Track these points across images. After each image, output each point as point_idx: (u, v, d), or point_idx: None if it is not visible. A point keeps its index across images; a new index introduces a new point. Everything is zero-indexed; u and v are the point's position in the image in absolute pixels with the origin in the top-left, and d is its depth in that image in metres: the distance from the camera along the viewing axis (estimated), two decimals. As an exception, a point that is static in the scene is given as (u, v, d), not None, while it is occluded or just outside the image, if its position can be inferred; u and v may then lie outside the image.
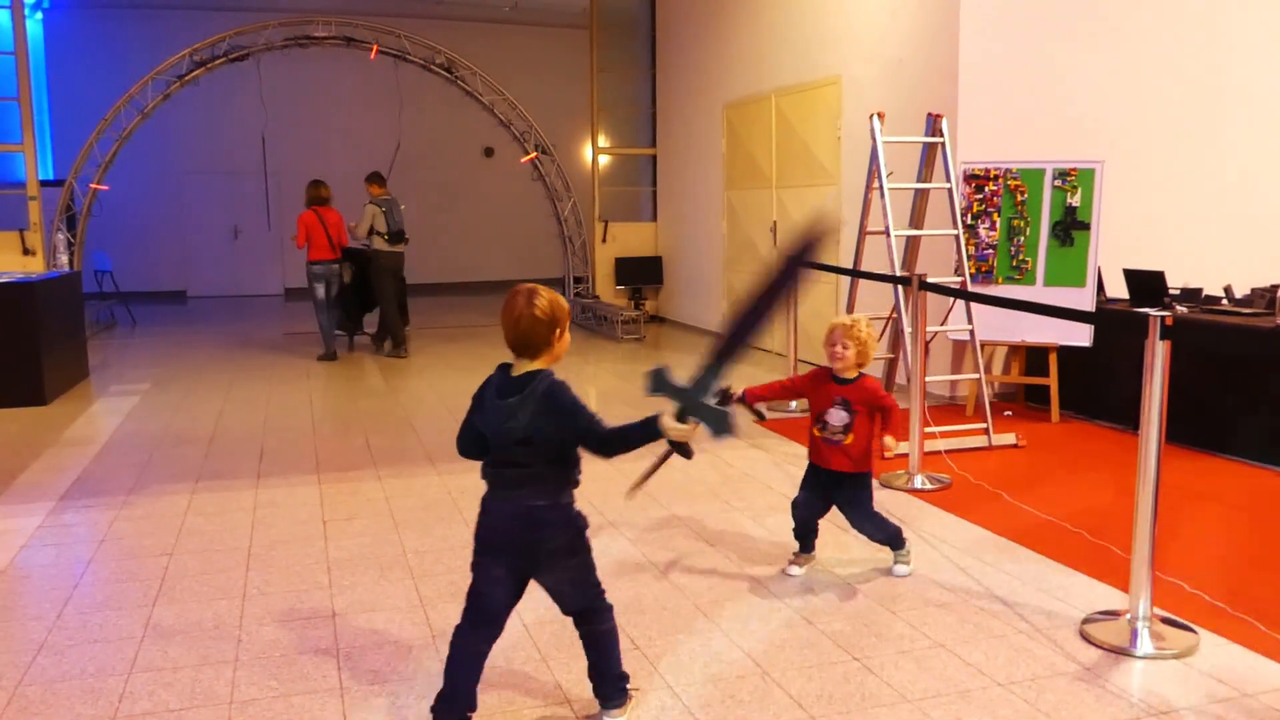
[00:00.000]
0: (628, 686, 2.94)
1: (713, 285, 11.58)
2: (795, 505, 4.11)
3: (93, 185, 11.69)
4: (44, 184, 11.69)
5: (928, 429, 5.79)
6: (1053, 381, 6.88)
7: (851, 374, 3.95)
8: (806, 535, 4.15)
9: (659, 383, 2.71)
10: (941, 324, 6.95)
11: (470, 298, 16.24)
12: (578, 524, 2.80)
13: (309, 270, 9.94)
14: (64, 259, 11.56)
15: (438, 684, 2.83)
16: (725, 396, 2.78)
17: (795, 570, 4.12)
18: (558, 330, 2.72)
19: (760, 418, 4.59)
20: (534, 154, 13.10)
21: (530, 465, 2.70)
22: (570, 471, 2.77)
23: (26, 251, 11.16)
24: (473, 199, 17.60)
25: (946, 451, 5.96)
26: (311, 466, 5.90)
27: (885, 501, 5.07)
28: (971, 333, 6.53)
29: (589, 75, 13.35)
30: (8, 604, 3.92)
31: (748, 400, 3.93)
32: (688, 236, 12.44)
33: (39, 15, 15.42)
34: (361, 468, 5.89)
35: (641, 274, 13.15)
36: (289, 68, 14.03)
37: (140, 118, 11.77)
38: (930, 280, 5.51)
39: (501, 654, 3.22)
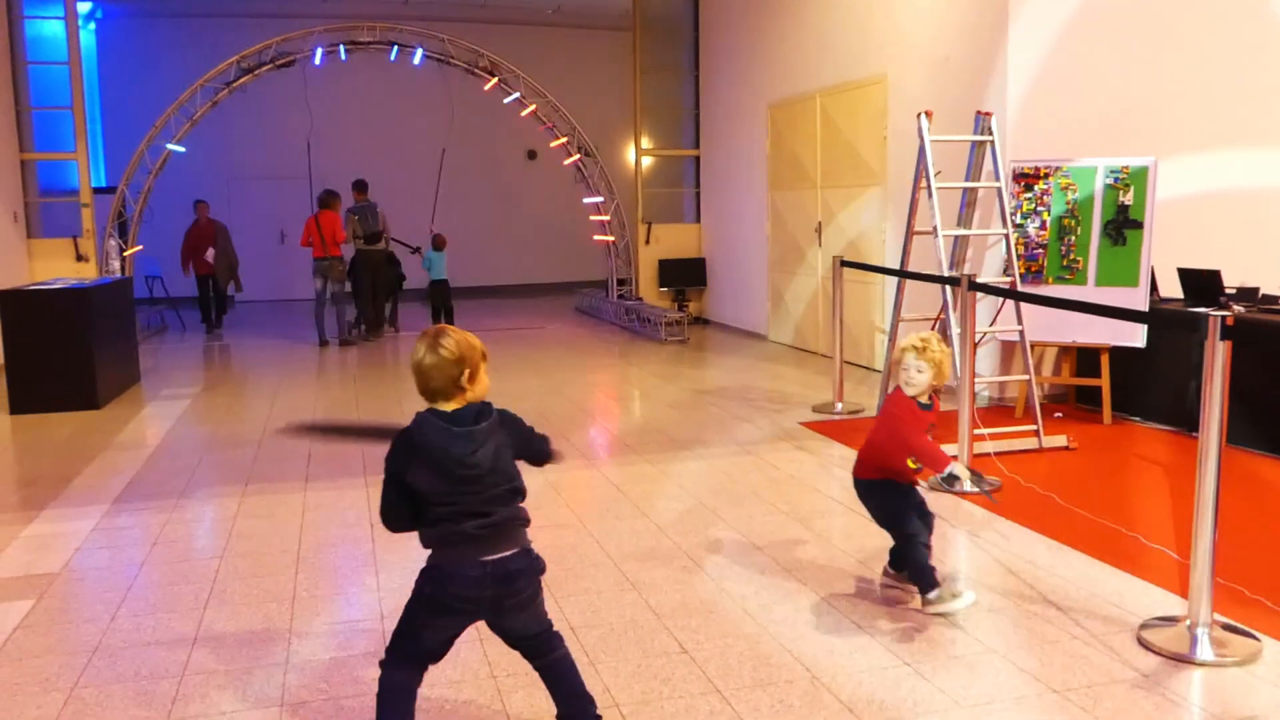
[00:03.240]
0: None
1: (756, 287, 11.53)
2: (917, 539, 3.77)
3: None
4: (96, 191, 11.90)
5: (976, 431, 5.71)
6: (1105, 383, 6.76)
7: (925, 398, 3.79)
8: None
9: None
10: (991, 324, 6.85)
11: (516, 300, 16.31)
12: (540, 567, 2.70)
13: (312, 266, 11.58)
14: (115, 265, 11.76)
15: (487, 683, 2.82)
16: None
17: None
18: (467, 371, 2.58)
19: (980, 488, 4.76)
20: (577, 156, 13.13)
21: (491, 512, 2.58)
22: (523, 508, 2.69)
23: (80, 258, 11.38)
24: (517, 202, 17.67)
25: (996, 454, 5.88)
26: (358, 469, 5.94)
27: (933, 505, 5.00)
28: (1021, 333, 6.43)
29: (632, 77, 13.35)
30: (63, 606, 3.98)
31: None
32: (731, 238, 12.40)
33: (91, 25, 15.73)
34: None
35: (685, 276, 13.13)
36: (334, 74, 14.18)
37: (189, 125, 11.95)
38: (979, 280, 5.43)
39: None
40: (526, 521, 2.69)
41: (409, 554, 4.39)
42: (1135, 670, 3.21)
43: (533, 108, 12.73)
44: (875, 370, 8.75)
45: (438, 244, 12.20)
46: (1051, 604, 3.77)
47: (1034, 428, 6.17)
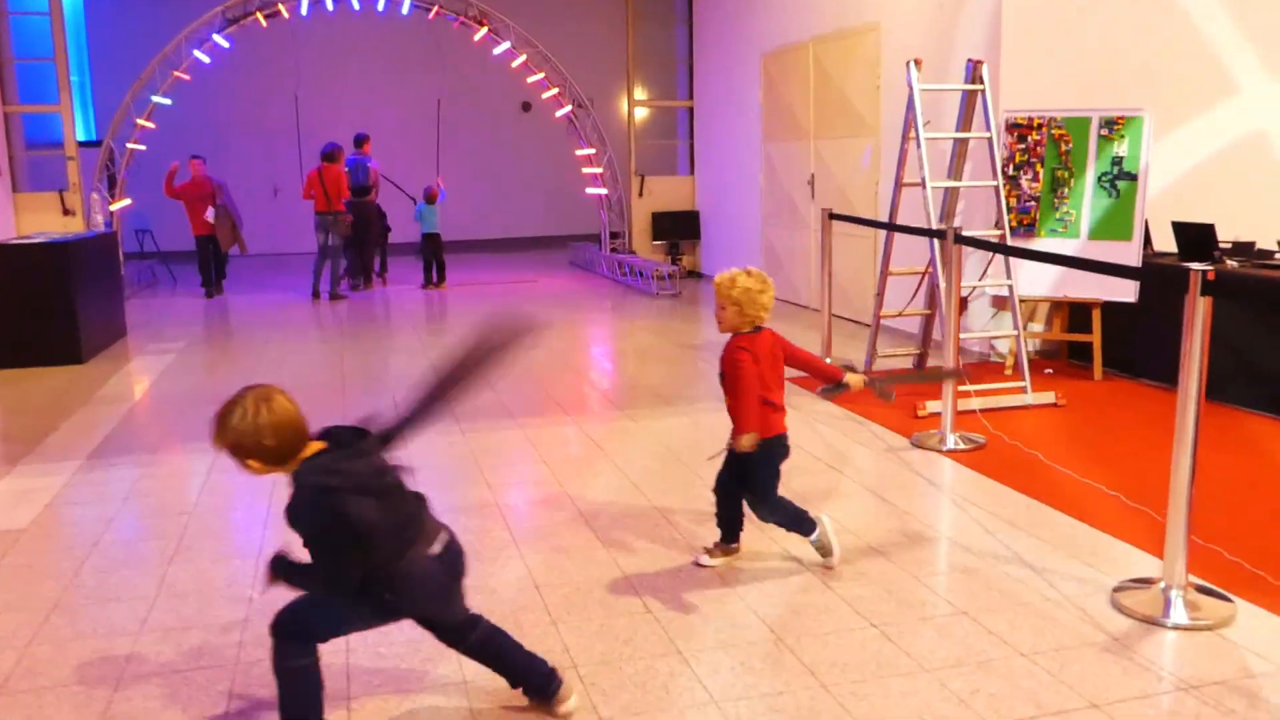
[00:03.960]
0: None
1: (750, 240, 11.39)
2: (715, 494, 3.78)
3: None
4: (83, 145, 11.76)
5: (962, 387, 5.62)
6: (1095, 339, 6.66)
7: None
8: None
9: None
10: (980, 279, 6.74)
11: (511, 255, 16.16)
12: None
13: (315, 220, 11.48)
14: (99, 218, 11.62)
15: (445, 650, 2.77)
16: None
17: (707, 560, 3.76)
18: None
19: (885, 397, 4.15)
20: (569, 108, 12.93)
21: (415, 510, 2.56)
22: None
23: (66, 212, 11.28)
24: (511, 155, 17.44)
25: (982, 411, 5.80)
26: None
27: (915, 462, 4.95)
28: (1010, 288, 6.32)
29: (625, 26, 13.12)
30: (28, 562, 3.93)
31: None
32: (725, 191, 12.24)
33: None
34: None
35: (678, 229, 12.99)
36: (323, 25, 13.94)
37: (172, 77, 11.76)
38: (969, 234, 5.32)
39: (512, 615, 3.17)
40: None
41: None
42: (1106, 633, 3.15)
43: (523, 58, 12.51)
44: (867, 325, 8.65)
45: (429, 197, 12.05)
46: (1027, 565, 3.71)
47: (1022, 384, 6.09)
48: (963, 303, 6.12)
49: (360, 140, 12.25)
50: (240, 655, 3.10)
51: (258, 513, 4.42)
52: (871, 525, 4.14)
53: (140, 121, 11.70)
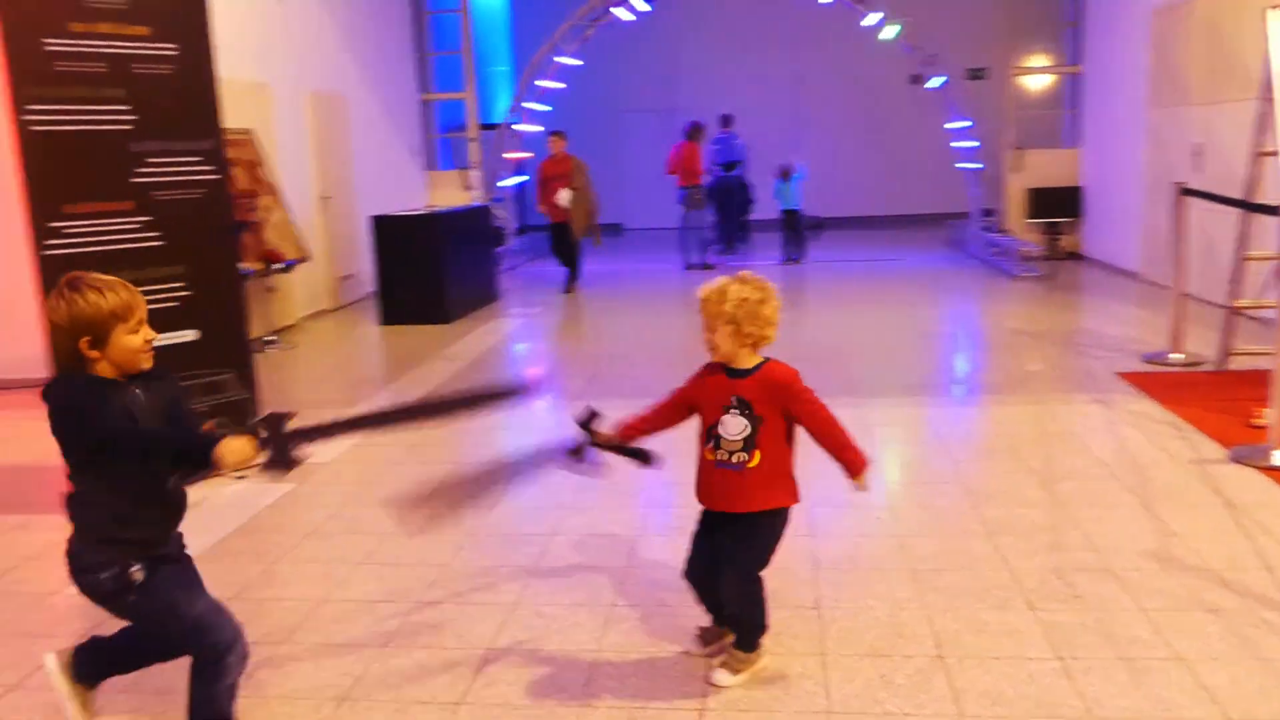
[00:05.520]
0: None
1: (1131, 219, 10.18)
2: (688, 570, 2.89)
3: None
4: (485, 127, 13.04)
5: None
6: None
7: (745, 361, 2.70)
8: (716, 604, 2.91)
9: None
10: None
11: (887, 231, 15.66)
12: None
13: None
14: (476, 193, 12.58)
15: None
16: (579, 448, 2.67)
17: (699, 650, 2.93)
18: (85, 340, 2.21)
19: (642, 460, 2.78)
20: (944, 79, 12.28)
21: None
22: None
23: (468, 188, 12.58)
24: (889, 130, 16.86)
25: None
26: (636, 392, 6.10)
27: (1222, 478, 4.20)
28: None
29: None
30: (311, 493, 4.48)
31: (620, 437, 2.77)
32: (1110, 163, 11.02)
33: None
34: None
35: (1058, 206, 11.89)
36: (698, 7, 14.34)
37: (553, 62, 12.67)
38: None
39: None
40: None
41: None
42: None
43: (897, 28, 12.03)
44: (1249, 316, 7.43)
45: (784, 173, 12.09)
46: (1297, 613, 3.03)
47: None
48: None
49: (727, 119, 12.82)
50: (602, 640, 3.35)
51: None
52: (1121, 545, 3.59)
53: (527, 105, 12.76)
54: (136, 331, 2.26)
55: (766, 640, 2.81)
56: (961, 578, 3.37)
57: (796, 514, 2.77)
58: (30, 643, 3.08)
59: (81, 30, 4.35)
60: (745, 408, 2.64)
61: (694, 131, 12.05)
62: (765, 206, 13.70)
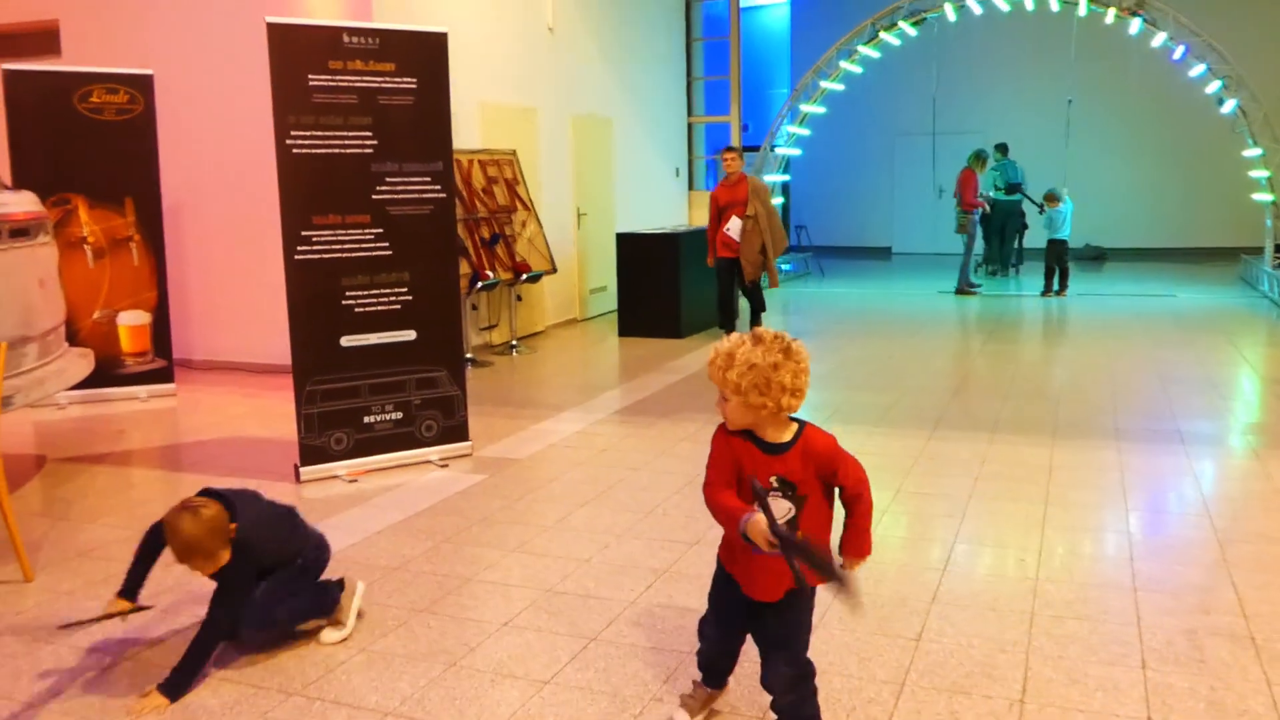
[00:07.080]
0: None
1: None
2: (701, 631, 2.71)
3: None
4: (746, 149, 13.35)
5: None
6: None
7: (778, 434, 2.34)
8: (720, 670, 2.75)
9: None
10: None
11: (1176, 265, 14.52)
12: None
13: None
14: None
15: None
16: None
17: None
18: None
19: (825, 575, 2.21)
20: (1234, 101, 11.29)
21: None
22: None
23: (724, 208, 12.94)
24: (1178, 156, 15.61)
25: None
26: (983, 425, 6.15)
27: None
28: None
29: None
30: (498, 485, 4.92)
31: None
32: None
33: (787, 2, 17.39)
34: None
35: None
36: (961, 29, 13.96)
37: (820, 88, 12.76)
38: None
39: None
40: None
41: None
42: None
43: (1181, 49, 11.21)
44: None
45: (1048, 201, 11.59)
46: None
47: None
48: None
49: (1002, 147, 13.52)
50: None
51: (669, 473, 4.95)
52: (1278, 616, 3.32)
53: (791, 129, 12.95)
54: None
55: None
56: (1082, 628, 3.26)
57: (926, 549, 2.82)
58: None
59: (338, 67, 5.04)
60: (789, 489, 2.32)
61: (970, 157, 12.19)
62: (1034, 235, 13.22)
